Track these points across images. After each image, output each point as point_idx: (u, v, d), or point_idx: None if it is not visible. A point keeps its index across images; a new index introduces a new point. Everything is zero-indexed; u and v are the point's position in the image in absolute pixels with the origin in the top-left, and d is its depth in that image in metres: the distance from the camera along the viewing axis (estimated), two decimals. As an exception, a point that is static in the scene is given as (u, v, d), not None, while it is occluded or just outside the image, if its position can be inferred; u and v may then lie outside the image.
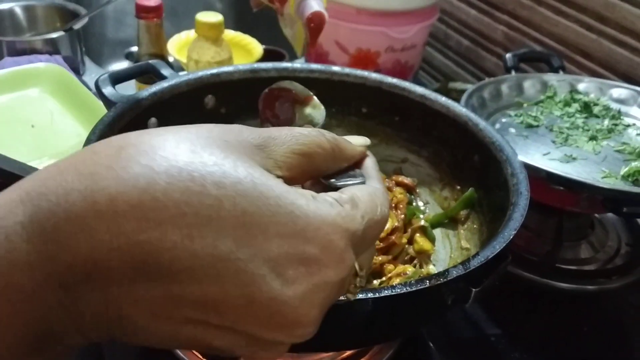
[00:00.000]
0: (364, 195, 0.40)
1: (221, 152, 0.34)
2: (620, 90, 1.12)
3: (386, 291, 0.52)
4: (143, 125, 0.77)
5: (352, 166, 0.47)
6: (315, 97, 0.65)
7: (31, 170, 0.59)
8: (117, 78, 0.80)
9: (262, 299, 0.33)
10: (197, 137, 0.35)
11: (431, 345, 0.84)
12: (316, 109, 0.62)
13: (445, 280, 0.53)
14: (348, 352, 0.75)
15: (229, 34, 1.42)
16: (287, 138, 0.39)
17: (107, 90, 0.76)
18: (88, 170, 0.32)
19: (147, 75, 0.85)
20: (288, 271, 0.33)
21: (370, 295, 0.51)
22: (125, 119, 0.72)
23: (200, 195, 0.31)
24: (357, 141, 0.49)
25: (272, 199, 0.33)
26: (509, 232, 0.60)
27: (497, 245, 0.58)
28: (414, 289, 0.52)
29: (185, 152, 0.33)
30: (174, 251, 0.31)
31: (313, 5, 0.58)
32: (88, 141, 0.64)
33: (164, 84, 0.79)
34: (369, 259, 0.43)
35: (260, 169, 0.35)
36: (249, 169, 0.34)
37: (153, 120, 0.77)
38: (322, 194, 0.38)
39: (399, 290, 0.52)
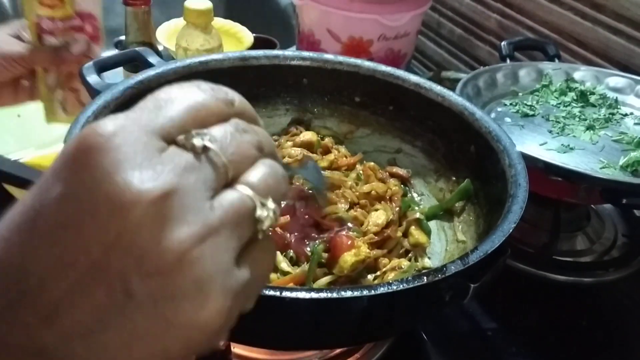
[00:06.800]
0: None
1: None
2: (617, 79, 1.10)
3: (382, 288, 0.50)
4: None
5: None
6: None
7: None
8: (103, 66, 0.78)
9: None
10: None
11: (426, 339, 0.83)
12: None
13: (443, 276, 0.52)
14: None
15: (219, 22, 1.39)
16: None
17: (92, 78, 0.74)
18: None
19: (135, 63, 0.83)
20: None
21: (365, 292, 0.49)
22: (110, 108, 0.69)
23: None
24: None
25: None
26: (509, 225, 0.58)
27: (496, 239, 0.56)
28: (411, 285, 0.50)
29: None
30: (12, 267, 0.29)
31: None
32: (70, 131, 0.62)
33: (151, 72, 0.76)
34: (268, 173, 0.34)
35: None
36: None
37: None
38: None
39: (395, 287, 0.50)
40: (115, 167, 0.28)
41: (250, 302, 0.34)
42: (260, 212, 0.32)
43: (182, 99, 0.32)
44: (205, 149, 0.31)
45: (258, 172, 0.33)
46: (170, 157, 0.30)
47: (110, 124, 0.29)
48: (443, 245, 0.80)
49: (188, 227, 0.28)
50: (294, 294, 0.49)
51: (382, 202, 0.80)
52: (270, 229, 0.33)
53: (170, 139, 0.30)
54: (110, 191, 0.27)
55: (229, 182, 0.32)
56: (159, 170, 0.29)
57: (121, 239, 0.27)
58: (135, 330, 0.29)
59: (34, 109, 1.12)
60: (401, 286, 0.50)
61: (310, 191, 0.77)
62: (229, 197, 0.31)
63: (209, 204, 0.30)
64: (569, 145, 0.91)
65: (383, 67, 0.87)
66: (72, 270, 0.28)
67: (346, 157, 0.89)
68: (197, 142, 0.31)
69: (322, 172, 0.69)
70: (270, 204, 0.33)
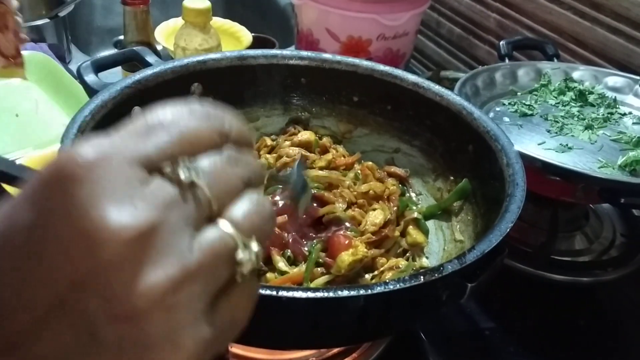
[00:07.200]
0: None
1: None
2: (616, 79, 1.10)
3: (379, 287, 0.50)
4: (126, 115, 0.74)
5: None
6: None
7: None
8: (100, 65, 0.77)
9: None
10: None
11: (424, 338, 0.82)
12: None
13: (440, 275, 0.52)
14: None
15: (218, 21, 1.39)
16: None
17: (90, 77, 0.74)
18: None
19: (133, 62, 0.83)
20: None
21: (362, 291, 0.49)
22: (107, 107, 0.69)
23: None
24: None
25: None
26: (506, 224, 0.58)
27: (494, 239, 0.56)
28: (407, 285, 0.50)
29: None
30: None
31: None
32: (67, 131, 0.62)
33: (148, 72, 0.76)
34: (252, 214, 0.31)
35: None
36: None
37: (137, 109, 0.75)
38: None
39: (392, 287, 0.50)
40: (91, 201, 0.26)
41: (224, 346, 0.32)
42: (241, 255, 0.29)
43: (172, 125, 0.30)
44: (188, 181, 0.29)
45: (243, 208, 0.31)
46: (153, 190, 0.27)
47: (91, 151, 0.27)
48: (441, 245, 0.80)
49: (163, 271, 0.26)
50: (290, 294, 0.49)
51: (380, 201, 0.80)
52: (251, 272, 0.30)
53: (155, 168, 0.28)
54: (84, 226, 0.25)
55: (212, 216, 0.30)
56: (139, 206, 0.26)
57: (90, 279, 0.26)
58: None
59: (32, 109, 1.12)
60: (398, 285, 0.50)
61: (313, 191, 0.78)
62: (210, 236, 0.29)
63: (188, 244, 0.28)
64: (567, 144, 0.91)
65: (381, 67, 0.87)
66: (36, 303, 0.26)
67: (344, 156, 0.89)
68: (184, 174, 0.29)
69: (308, 180, 0.64)
70: (254, 245, 0.30)
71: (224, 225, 0.29)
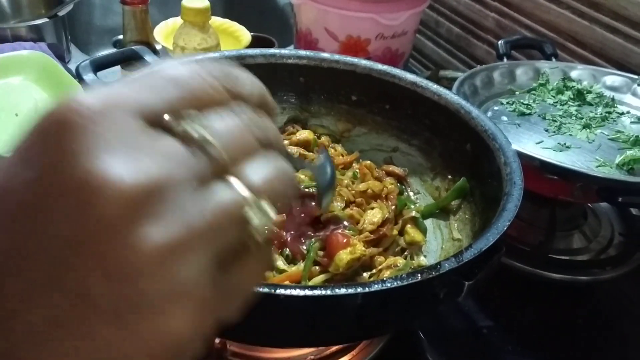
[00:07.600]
0: None
1: None
2: (614, 78, 1.10)
3: (376, 285, 0.50)
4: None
5: None
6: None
7: None
8: (99, 65, 0.78)
9: None
10: None
11: (422, 337, 0.83)
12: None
13: (437, 273, 0.52)
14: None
15: (217, 21, 1.40)
16: None
17: (88, 77, 0.74)
18: None
19: (132, 62, 0.83)
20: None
21: (359, 289, 0.50)
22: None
23: None
24: None
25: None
26: (503, 223, 0.58)
27: (491, 237, 0.56)
28: (405, 283, 0.50)
29: None
30: None
31: None
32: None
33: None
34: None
35: None
36: None
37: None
38: None
39: (389, 285, 0.50)
40: (91, 151, 0.24)
41: (230, 313, 0.29)
42: (252, 217, 0.27)
43: (178, 78, 0.28)
44: (197, 136, 0.27)
45: (258, 168, 0.29)
46: (158, 144, 0.26)
47: (89, 99, 0.25)
48: (439, 244, 0.81)
49: (165, 228, 0.24)
50: (288, 292, 0.49)
51: (378, 200, 0.80)
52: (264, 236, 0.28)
53: (160, 122, 0.26)
54: (82, 179, 0.23)
55: (223, 174, 0.27)
56: (141, 159, 0.25)
57: (87, 236, 0.24)
58: (92, 339, 0.25)
59: (31, 108, 1.12)
60: (395, 283, 0.50)
61: (310, 189, 0.78)
62: (219, 194, 0.27)
63: (193, 201, 0.26)
64: (565, 143, 0.91)
65: (379, 66, 0.87)
66: (32, 269, 0.24)
67: (343, 155, 0.89)
68: (189, 127, 0.27)
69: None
70: (266, 207, 0.28)
71: (235, 183, 0.27)
